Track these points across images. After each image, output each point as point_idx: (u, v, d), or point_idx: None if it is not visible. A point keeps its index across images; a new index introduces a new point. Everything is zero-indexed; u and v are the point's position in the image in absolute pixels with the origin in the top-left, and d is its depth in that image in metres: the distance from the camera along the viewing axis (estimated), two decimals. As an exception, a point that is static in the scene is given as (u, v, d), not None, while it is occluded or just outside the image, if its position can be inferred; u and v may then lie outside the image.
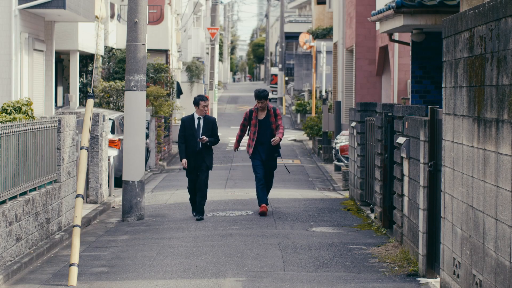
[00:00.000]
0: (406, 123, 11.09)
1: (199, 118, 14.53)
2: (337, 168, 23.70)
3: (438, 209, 9.38)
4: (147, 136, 22.81)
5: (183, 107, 35.47)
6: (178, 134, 14.63)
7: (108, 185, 17.40)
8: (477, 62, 7.31)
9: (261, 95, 14.82)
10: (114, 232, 13.55)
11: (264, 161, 14.95)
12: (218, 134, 15.01)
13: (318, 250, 11.45)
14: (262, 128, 14.90)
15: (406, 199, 11.17)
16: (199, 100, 14.49)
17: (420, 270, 9.93)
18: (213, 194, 18.13)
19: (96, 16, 24.04)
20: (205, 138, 14.37)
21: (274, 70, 70.83)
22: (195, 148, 14.46)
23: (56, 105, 24.50)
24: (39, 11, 20.05)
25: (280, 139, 14.89)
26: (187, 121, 14.57)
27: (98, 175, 16.14)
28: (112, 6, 29.81)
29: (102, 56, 28.58)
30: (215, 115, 39.32)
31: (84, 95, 26.67)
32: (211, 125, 14.61)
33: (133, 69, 14.93)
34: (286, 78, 61.53)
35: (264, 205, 14.79)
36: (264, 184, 14.99)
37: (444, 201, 8.70)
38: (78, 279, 9.73)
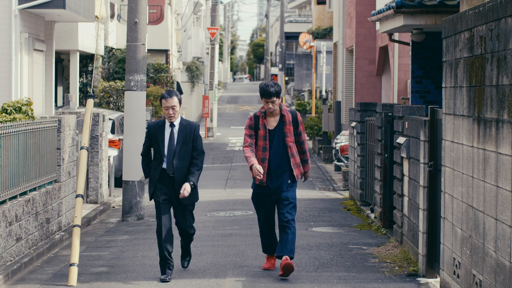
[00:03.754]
0: (406, 123, 11.09)
1: (172, 125, 9.64)
2: (337, 168, 23.70)
3: (438, 209, 9.38)
4: (147, 136, 22.78)
5: (183, 107, 35.49)
6: (143, 146, 9.93)
7: (108, 185, 17.40)
8: (477, 62, 7.31)
9: (270, 91, 9.56)
10: (114, 232, 13.55)
11: (274, 192, 9.73)
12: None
13: (318, 250, 11.44)
14: (273, 143, 9.67)
15: (406, 199, 11.17)
16: (161, 99, 9.67)
17: (420, 270, 9.93)
18: (213, 194, 18.14)
19: (96, 16, 24.05)
20: (185, 191, 9.49)
21: (274, 70, 70.88)
22: (167, 172, 9.61)
23: (56, 105, 24.51)
24: (39, 11, 20.05)
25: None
26: (154, 130, 9.70)
27: (98, 175, 16.13)
28: (112, 6, 29.82)
29: (102, 56, 28.59)
30: (215, 115, 39.12)
31: (84, 95, 26.69)
32: (190, 136, 9.62)
33: (133, 69, 14.93)
34: (286, 78, 61.52)
35: (270, 256, 10.15)
36: (272, 230, 10.01)
37: (444, 201, 8.70)
38: (78, 279, 9.73)
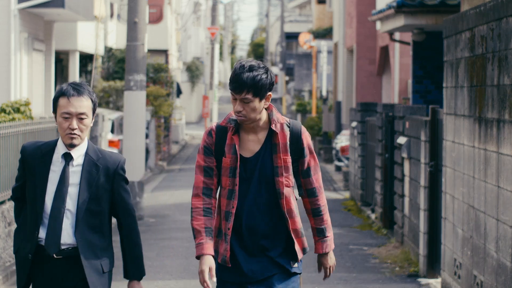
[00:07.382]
0: (407, 123, 11.06)
1: (67, 158, 4.62)
2: (338, 168, 23.67)
3: (439, 210, 9.35)
4: (146, 136, 22.79)
5: (183, 107, 35.48)
6: (15, 184, 4.85)
7: (108, 185, 17.33)
8: (478, 62, 7.28)
9: (241, 80, 4.53)
10: (113, 232, 13.50)
11: (251, 280, 4.70)
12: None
13: (318, 250, 11.41)
14: (250, 184, 4.70)
15: (406, 199, 11.14)
16: (58, 97, 4.54)
17: (421, 271, 9.90)
18: (213, 194, 18.12)
19: (96, 16, 24.03)
20: None
21: (274, 70, 70.85)
22: (47, 251, 4.75)
23: (56, 105, 24.48)
24: (38, 10, 20.02)
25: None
26: (32, 158, 4.64)
27: (97, 175, 16.10)
28: (112, 5, 29.80)
29: (101, 56, 28.57)
30: (215, 115, 39.04)
31: (84, 95, 26.64)
32: (107, 183, 4.89)
33: (133, 69, 14.90)
34: (287, 78, 61.52)
35: None
36: None
37: (445, 201, 8.67)
38: (78, 280, 9.69)
